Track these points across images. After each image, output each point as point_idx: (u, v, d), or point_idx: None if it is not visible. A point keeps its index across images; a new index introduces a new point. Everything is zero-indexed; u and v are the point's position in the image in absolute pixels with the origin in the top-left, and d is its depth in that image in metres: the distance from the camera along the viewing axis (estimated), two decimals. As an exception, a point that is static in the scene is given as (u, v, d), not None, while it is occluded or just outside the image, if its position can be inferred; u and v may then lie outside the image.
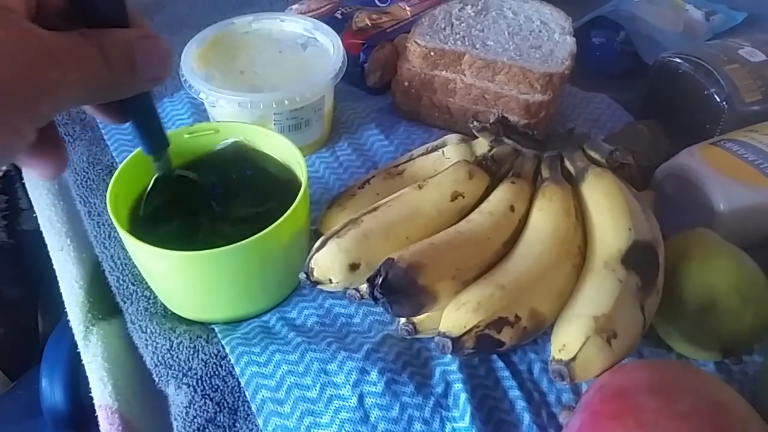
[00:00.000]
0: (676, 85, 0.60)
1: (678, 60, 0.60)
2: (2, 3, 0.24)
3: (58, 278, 0.53)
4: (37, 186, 0.61)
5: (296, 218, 0.43)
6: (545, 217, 0.43)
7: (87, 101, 0.29)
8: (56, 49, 0.25)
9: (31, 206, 0.61)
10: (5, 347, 0.88)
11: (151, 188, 0.43)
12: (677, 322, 0.42)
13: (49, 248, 0.56)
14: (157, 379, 0.44)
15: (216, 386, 0.43)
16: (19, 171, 0.78)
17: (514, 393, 0.42)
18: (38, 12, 0.27)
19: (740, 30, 0.76)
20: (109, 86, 0.28)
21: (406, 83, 0.61)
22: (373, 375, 0.42)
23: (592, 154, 0.46)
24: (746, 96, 0.57)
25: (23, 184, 0.72)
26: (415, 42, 0.59)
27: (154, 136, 0.37)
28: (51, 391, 0.66)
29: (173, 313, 0.47)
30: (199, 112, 0.63)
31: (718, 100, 0.57)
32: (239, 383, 0.43)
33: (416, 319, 0.42)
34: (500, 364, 0.44)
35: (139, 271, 0.48)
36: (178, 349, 0.44)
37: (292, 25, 0.62)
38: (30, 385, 0.71)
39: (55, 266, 0.54)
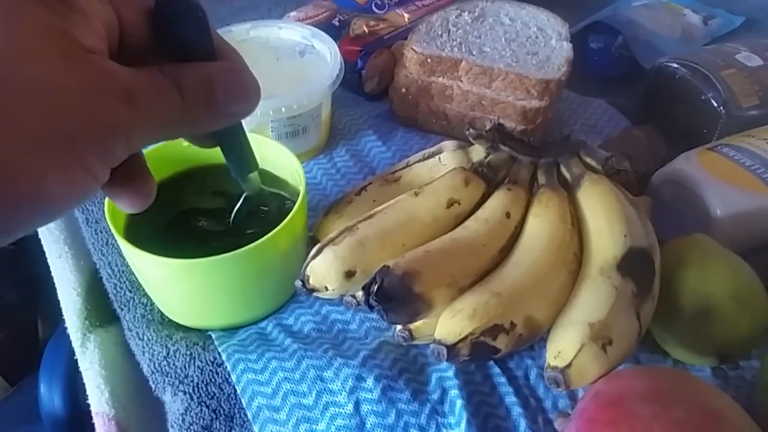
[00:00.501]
0: (674, 90, 0.60)
1: (675, 65, 0.60)
2: (83, 43, 0.23)
3: (56, 285, 0.54)
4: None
5: (294, 226, 0.43)
6: (541, 223, 0.43)
7: (165, 138, 0.28)
8: (129, 87, 0.24)
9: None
10: (5, 352, 0.88)
11: (237, 210, 0.43)
12: (674, 328, 0.42)
13: (47, 255, 0.56)
14: (153, 386, 0.44)
15: (212, 393, 0.43)
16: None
17: (511, 399, 0.42)
18: (121, 47, 0.26)
19: (738, 34, 0.76)
20: (186, 123, 0.27)
21: (404, 90, 0.61)
22: (370, 382, 0.42)
23: (588, 160, 0.47)
24: (743, 101, 0.57)
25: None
26: (412, 49, 0.59)
27: (241, 161, 0.36)
28: (50, 396, 0.66)
29: (170, 320, 0.47)
30: (197, 119, 0.63)
31: (716, 105, 0.57)
32: (235, 390, 0.43)
33: (412, 325, 0.42)
34: (497, 370, 0.44)
35: (136, 278, 0.48)
36: (175, 356, 0.44)
37: (290, 32, 0.62)
38: (29, 390, 0.71)
39: (53, 273, 0.55)
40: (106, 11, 0.25)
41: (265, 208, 0.44)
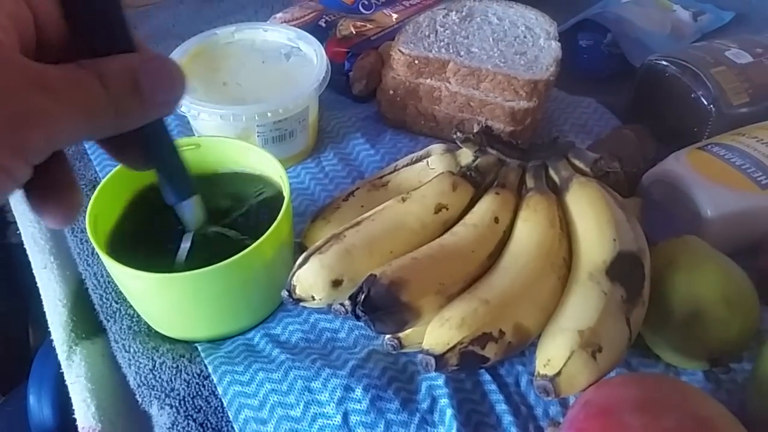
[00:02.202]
0: (663, 88, 0.60)
1: (664, 63, 0.60)
2: None
3: (42, 297, 0.53)
4: (21, 202, 0.61)
5: (279, 235, 0.43)
6: (530, 228, 0.42)
7: (91, 133, 0.26)
8: (45, 77, 0.23)
9: (16, 220, 0.61)
10: (-4, 361, 0.88)
11: (190, 248, 0.41)
12: (665, 332, 0.42)
13: (32, 266, 0.55)
14: (140, 399, 0.43)
15: (199, 407, 0.42)
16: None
17: (501, 407, 0.42)
18: (38, 47, 0.25)
19: (728, 30, 0.76)
20: (112, 114, 0.25)
21: (391, 92, 0.61)
22: (358, 392, 0.41)
23: (577, 162, 0.46)
24: (733, 98, 0.57)
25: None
26: (399, 50, 0.58)
27: (176, 183, 0.33)
28: (39, 408, 0.66)
29: (156, 332, 0.47)
30: (184, 124, 0.62)
31: (705, 103, 0.57)
32: (222, 403, 0.42)
33: (402, 333, 0.41)
34: (487, 377, 0.43)
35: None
36: (161, 369, 0.44)
37: (275, 35, 0.61)
38: (19, 401, 0.70)
39: (38, 284, 0.54)
40: (14, 5, 0.24)
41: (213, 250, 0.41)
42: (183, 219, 0.37)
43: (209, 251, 0.40)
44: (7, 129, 0.22)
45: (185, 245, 0.40)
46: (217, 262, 0.39)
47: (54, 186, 0.27)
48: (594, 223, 0.42)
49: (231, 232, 0.43)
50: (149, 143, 0.30)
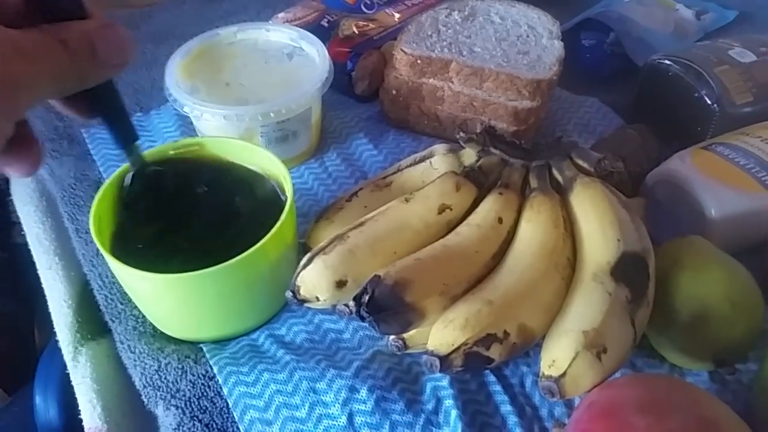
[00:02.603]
0: (667, 87, 0.60)
1: (668, 62, 0.60)
2: None
3: (47, 297, 0.53)
4: (26, 203, 0.61)
5: (282, 236, 0.43)
6: (533, 228, 0.43)
7: (56, 93, 0.30)
8: (22, 44, 0.26)
9: (21, 221, 0.61)
10: (1, 362, 0.88)
11: (130, 185, 0.44)
12: (669, 333, 0.42)
13: (37, 266, 0.56)
14: (146, 400, 0.43)
15: (204, 407, 0.42)
16: (9, 184, 0.78)
17: (506, 408, 0.42)
18: None
19: (731, 28, 0.76)
20: (74, 76, 0.29)
21: (394, 91, 0.61)
22: (363, 393, 0.41)
23: (580, 162, 0.46)
24: (737, 98, 0.57)
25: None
26: (402, 50, 0.58)
27: (122, 130, 0.38)
28: (45, 408, 0.66)
29: (162, 333, 0.47)
30: (187, 125, 0.62)
31: (709, 102, 0.56)
32: (228, 404, 0.42)
33: (406, 334, 0.41)
34: (492, 378, 0.43)
35: (127, 290, 0.48)
36: (167, 369, 0.44)
37: (278, 35, 0.61)
38: (25, 401, 0.71)
39: (44, 285, 0.54)
40: None
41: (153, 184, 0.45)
42: (128, 160, 0.41)
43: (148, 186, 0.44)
44: (2, 95, 0.25)
45: (127, 181, 0.44)
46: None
47: (19, 140, 0.29)
48: (598, 223, 0.42)
49: (163, 167, 0.45)
50: (98, 96, 0.33)
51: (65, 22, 0.28)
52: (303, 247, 0.48)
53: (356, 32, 0.65)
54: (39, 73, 0.27)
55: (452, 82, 0.58)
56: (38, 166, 0.31)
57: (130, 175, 0.44)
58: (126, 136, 0.38)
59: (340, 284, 0.40)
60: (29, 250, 0.58)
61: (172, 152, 0.48)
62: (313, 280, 0.40)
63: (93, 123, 0.47)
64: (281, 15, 0.69)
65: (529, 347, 0.40)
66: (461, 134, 0.47)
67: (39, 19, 0.28)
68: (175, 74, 0.56)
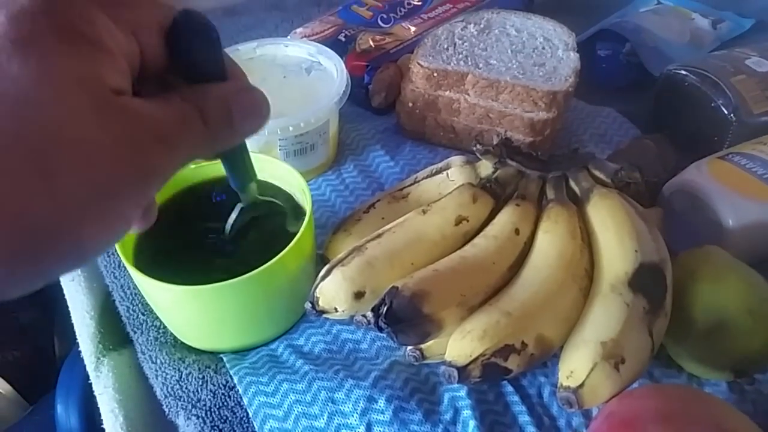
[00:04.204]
0: (683, 97, 0.60)
1: (684, 72, 0.60)
2: (111, 86, 0.23)
3: (70, 308, 0.54)
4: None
5: (301, 247, 0.43)
6: (551, 239, 0.43)
7: (188, 162, 0.28)
8: (161, 126, 0.24)
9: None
10: (22, 371, 0.89)
11: (236, 219, 0.43)
12: (688, 343, 0.42)
13: (60, 278, 0.57)
14: (167, 410, 0.44)
15: (225, 417, 0.43)
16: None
17: (524, 418, 0.42)
18: (140, 75, 0.26)
19: (748, 37, 0.75)
20: (207, 146, 0.27)
21: (411, 104, 0.61)
22: (381, 403, 0.42)
23: (597, 173, 0.46)
24: (754, 107, 0.56)
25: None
26: (418, 63, 0.59)
27: (242, 172, 0.37)
28: (66, 417, 0.67)
29: (182, 343, 0.47)
30: (206, 138, 0.63)
31: (726, 112, 0.56)
32: (248, 414, 0.43)
33: (423, 345, 0.41)
34: (509, 388, 0.43)
35: (148, 301, 0.49)
36: (187, 379, 0.44)
37: (296, 49, 0.62)
38: (46, 410, 0.71)
39: (66, 296, 0.55)
40: (129, 44, 0.25)
41: (256, 216, 0.44)
42: (241, 197, 0.41)
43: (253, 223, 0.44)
44: (134, 185, 0.24)
45: (234, 216, 0.43)
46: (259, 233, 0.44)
47: None
48: (615, 234, 0.42)
49: (277, 201, 0.46)
50: None
51: (204, 85, 0.27)
52: (321, 259, 0.49)
53: (373, 46, 0.66)
54: (175, 156, 0.25)
55: (468, 95, 0.58)
56: (151, 223, 0.31)
57: (238, 209, 0.43)
58: (245, 178, 0.38)
59: (359, 295, 0.40)
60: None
61: (192, 166, 0.49)
62: (332, 292, 0.40)
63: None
64: (299, 30, 0.70)
65: (547, 358, 0.40)
66: (478, 146, 0.47)
67: (180, 75, 0.27)
68: (195, 89, 0.57)
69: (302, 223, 0.44)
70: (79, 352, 0.51)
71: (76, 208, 0.22)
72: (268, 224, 0.46)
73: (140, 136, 0.23)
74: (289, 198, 0.49)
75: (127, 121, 0.23)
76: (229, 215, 0.47)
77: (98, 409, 0.47)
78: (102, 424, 0.46)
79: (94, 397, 0.48)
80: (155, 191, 0.26)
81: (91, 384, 0.49)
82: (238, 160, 0.36)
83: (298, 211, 0.48)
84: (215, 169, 0.50)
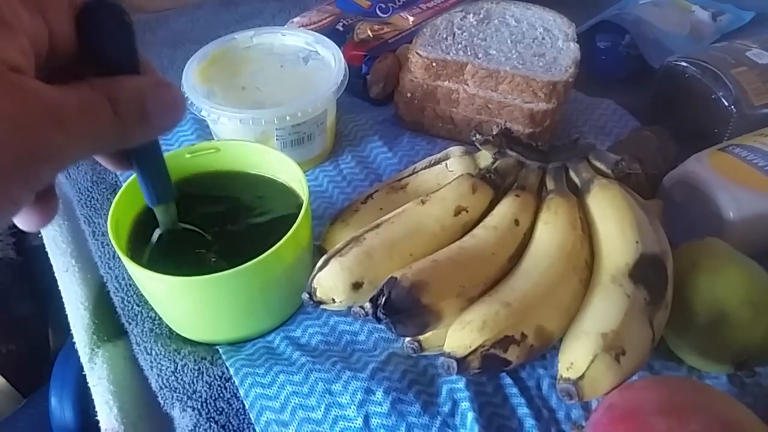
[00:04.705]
0: (683, 89, 0.59)
1: (684, 64, 0.59)
2: (8, 60, 0.22)
3: (64, 299, 0.53)
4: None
5: (298, 238, 0.43)
6: (551, 230, 0.42)
7: (92, 154, 0.27)
8: (60, 108, 0.23)
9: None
10: (16, 364, 0.88)
11: (156, 242, 0.41)
12: (688, 335, 0.42)
13: (54, 269, 0.56)
14: (162, 401, 0.43)
15: (221, 409, 0.42)
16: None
17: (523, 410, 0.41)
18: (48, 61, 0.25)
19: (748, 30, 0.75)
20: (117, 137, 0.26)
21: (409, 94, 0.61)
22: (379, 395, 0.41)
23: (598, 164, 0.46)
24: (755, 99, 0.56)
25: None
26: (417, 53, 0.58)
27: (159, 187, 0.35)
28: (61, 410, 0.66)
29: (178, 335, 0.47)
30: (203, 129, 0.63)
31: (726, 104, 0.56)
32: (244, 405, 0.42)
33: (422, 336, 0.41)
34: (508, 380, 0.43)
35: (143, 292, 0.48)
36: (183, 371, 0.44)
37: (294, 39, 0.61)
38: (40, 403, 0.71)
39: (60, 287, 0.54)
40: (35, 23, 0.24)
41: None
42: (159, 218, 0.38)
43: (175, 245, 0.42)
44: (21, 165, 0.22)
45: (154, 240, 0.41)
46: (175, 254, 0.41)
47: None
48: (616, 225, 0.41)
49: (197, 229, 0.43)
50: (137, 150, 0.30)
51: (118, 76, 0.26)
52: (318, 250, 0.48)
53: (371, 36, 0.66)
54: (74, 141, 0.24)
55: (467, 85, 0.58)
56: (49, 221, 0.28)
57: (157, 233, 0.41)
58: (161, 194, 0.35)
59: (357, 286, 0.40)
60: (45, 253, 0.58)
61: (188, 155, 0.49)
62: (330, 282, 0.40)
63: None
64: (297, 19, 0.69)
65: (547, 349, 0.40)
66: (477, 136, 0.47)
67: (92, 67, 0.26)
68: (192, 78, 0.57)
69: (298, 213, 0.43)
70: (74, 344, 0.51)
71: None
72: (259, 215, 0.46)
73: (33, 115, 0.22)
74: (284, 189, 0.48)
75: (19, 97, 0.22)
76: (225, 209, 0.46)
77: (93, 402, 0.47)
78: (96, 416, 0.46)
79: (89, 390, 0.48)
80: (49, 176, 0.24)
81: (85, 377, 0.48)
82: (153, 169, 0.33)
83: (293, 202, 0.47)
84: (212, 161, 0.49)
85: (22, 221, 0.28)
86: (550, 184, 0.46)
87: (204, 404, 0.42)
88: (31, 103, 0.22)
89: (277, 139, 0.55)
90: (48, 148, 0.23)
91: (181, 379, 0.44)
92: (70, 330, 0.52)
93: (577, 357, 0.37)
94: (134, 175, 0.46)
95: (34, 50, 0.24)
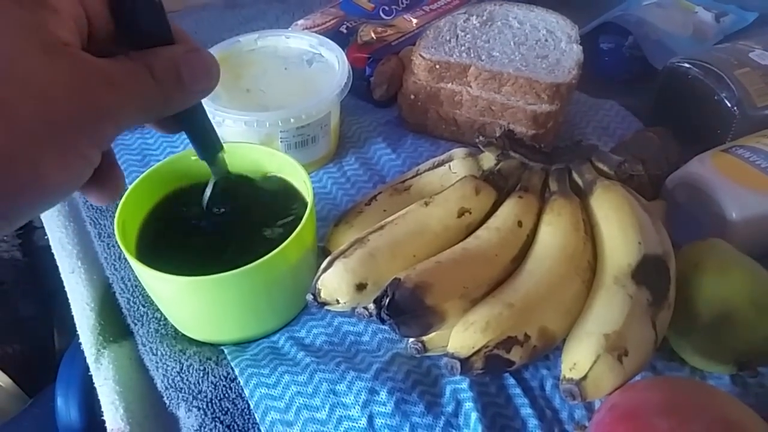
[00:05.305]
0: (686, 90, 0.60)
1: (687, 65, 0.60)
2: (59, 37, 0.25)
3: (70, 300, 0.54)
4: (49, 207, 0.62)
5: (303, 239, 0.43)
6: (554, 232, 0.42)
7: (142, 120, 0.30)
8: (110, 74, 0.26)
9: (44, 225, 0.62)
10: (22, 364, 0.89)
11: (211, 193, 0.44)
12: (691, 336, 0.42)
13: (60, 270, 0.56)
14: (167, 401, 0.44)
15: (226, 409, 0.43)
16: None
17: (526, 411, 0.42)
18: (90, 40, 0.28)
19: (751, 31, 0.75)
20: (160, 103, 0.29)
21: (412, 96, 0.61)
22: (383, 395, 0.41)
23: (601, 166, 0.46)
24: (758, 100, 0.56)
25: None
26: (420, 55, 0.59)
27: (207, 143, 0.38)
28: (66, 410, 0.66)
29: (183, 335, 0.47)
30: (207, 130, 0.63)
31: (729, 105, 0.56)
32: (249, 405, 0.43)
33: (425, 337, 0.41)
34: (511, 381, 0.43)
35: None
36: (188, 371, 0.44)
37: (298, 41, 0.62)
38: (46, 403, 0.71)
39: (66, 288, 0.55)
40: (74, 7, 0.27)
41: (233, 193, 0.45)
42: (212, 170, 0.42)
43: (230, 196, 0.45)
44: (87, 122, 0.26)
45: (208, 191, 0.44)
46: (236, 204, 0.45)
47: (102, 168, 0.29)
48: (619, 226, 0.42)
49: (250, 174, 0.47)
50: (184, 112, 0.32)
51: (153, 48, 0.28)
52: (322, 251, 0.48)
53: (375, 38, 0.66)
54: (126, 101, 0.27)
55: (470, 87, 0.58)
56: (118, 195, 0.32)
57: (211, 183, 0.43)
58: (211, 148, 0.39)
59: (360, 287, 0.40)
60: (51, 254, 0.59)
61: (193, 158, 0.49)
62: (334, 283, 0.40)
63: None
64: (301, 22, 0.69)
65: (550, 350, 0.40)
66: (480, 138, 0.47)
67: (129, 45, 0.28)
68: (196, 80, 0.57)
69: (303, 214, 0.43)
70: (79, 344, 0.51)
71: (31, 138, 0.24)
72: (264, 216, 0.46)
73: (90, 79, 0.25)
74: (289, 190, 0.48)
75: (76, 64, 0.25)
76: (230, 210, 0.46)
77: (98, 402, 0.47)
78: (102, 416, 0.46)
79: (94, 390, 0.48)
80: (110, 135, 0.27)
81: (91, 377, 0.49)
82: (199, 128, 0.37)
83: (297, 200, 0.48)
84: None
85: (95, 195, 0.31)
86: (553, 186, 0.46)
87: (209, 404, 0.43)
88: (86, 69, 0.26)
89: (281, 142, 0.56)
90: (105, 106, 0.26)
91: (187, 380, 0.44)
92: (75, 330, 0.52)
93: (580, 357, 0.37)
94: (140, 178, 0.46)
95: (79, 32, 0.27)
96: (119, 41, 0.29)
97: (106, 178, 0.30)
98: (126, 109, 0.27)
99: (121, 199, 0.45)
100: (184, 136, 0.63)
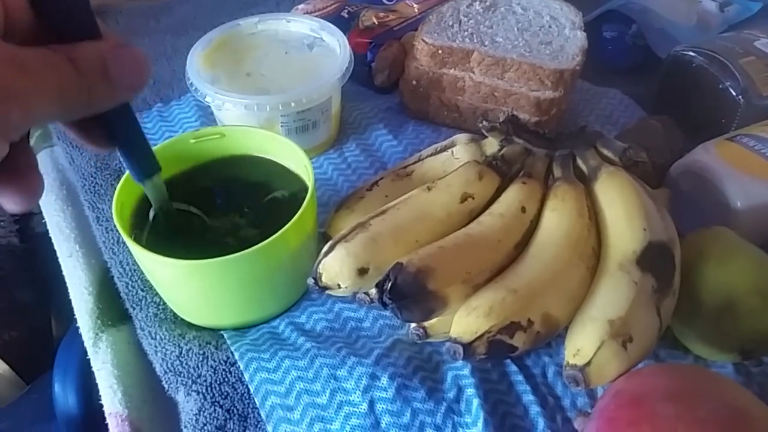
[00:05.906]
0: (690, 79, 0.59)
1: (692, 53, 0.59)
2: None
3: (68, 285, 0.53)
4: (46, 192, 0.61)
5: (303, 224, 0.43)
6: (558, 217, 0.42)
7: (63, 114, 0.27)
8: (23, 59, 0.24)
9: (42, 210, 0.61)
10: (19, 351, 0.88)
11: (152, 222, 0.42)
12: (695, 324, 0.42)
13: (58, 254, 0.56)
14: (166, 386, 0.43)
15: (226, 393, 0.42)
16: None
17: (528, 398, 0.41)
18: (6, 32, 0.26)
19: (756, 21, 0.74)
20: (84, 97, 0.26)
21: (414, 82, 0.60)
22: (384, 380, 0.41)
23: (605, 152, 0.46)
24: (763, 89, 0.56)
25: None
26: (423, 40, 0.58)
27: (141, 161, 0.35)
28: (64, 395, 0.66)
29: (182, 319, 0.47)
30: (207, 115, 0.63)
31: (734, 93, 0.56)
32: (249, 390, 0.42)
33: (427, 323, 0.41)
34: (513, 368, 0.43)
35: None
36: (188, 355, 0.44)
37: (298, 25, 0.61)
38: (44, 389, 0.71)
39: (64, 273, 0.54)
40: None
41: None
42: (149, 196, 0.39)
43: (172, 226, 0.43)
44: None
45: (150, 218, 0.42)
46: (179, 237, 0.42)
47: (16, 169, 0.27)
48: (623, 212, 0.41)
49: (192, 208, 0.44)
50: (114, 124, 0.31)
51: (78, 42, 0.27)
52: (323, 237, 0.48)
53: (376, 23, 0.65)
54: (39, 88, 0.24)
55: (473, 73, 0.58)
56: (34, 201, 0.28)
57: (152, 214, 0.41)
58: (144, 169, 0.36)
59: (362, 272, 0.40)
60: (49, 240, 0.58)
61: (192, 140, 0.49)
62: (335, 267, 0.40)
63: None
64: (302, 6, 0.69)
65: (553, 336, 0.40)
66: (484, 123, 0.46)
67: (52, 40, 0.26)
68: (197, 65, 0.56)
69: (304, 199, 0.43)
70: (77, 330, 0.51)
71: None
72: (264, 201, 0.46)
73: None
74: (290, 174, 0.48)
75: None
76: (230, 195, 0.46)
77: (96, 387, 0.47)
78: (100, 402, 0.46)
79: (92, 376, 0.48)
80: (20, 122, 0.24)
81: (88, 363, 0.48)
82: (132, 144, 0.34)
83: (297, 184, 0.47)
84: (218, 146, 0.49)
85: (5, 200, 0.28)
86: (557, 172, 0.45)
87: (209, 388, 0.42)
88: None
89: (281, 126, 0.55)
90: (12, 89, 0.23)
91: (186, 363, 0.43)
92: (73, 316, 0.52)
93: (584, 343, 0.36)
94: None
95: None
96: (42, 37, 0.27)
97: (21, 179, 0.27)
98: (39, 97, 0.24)
99: (118, 183, 0.44)
100: (181, 117, 0.63)
